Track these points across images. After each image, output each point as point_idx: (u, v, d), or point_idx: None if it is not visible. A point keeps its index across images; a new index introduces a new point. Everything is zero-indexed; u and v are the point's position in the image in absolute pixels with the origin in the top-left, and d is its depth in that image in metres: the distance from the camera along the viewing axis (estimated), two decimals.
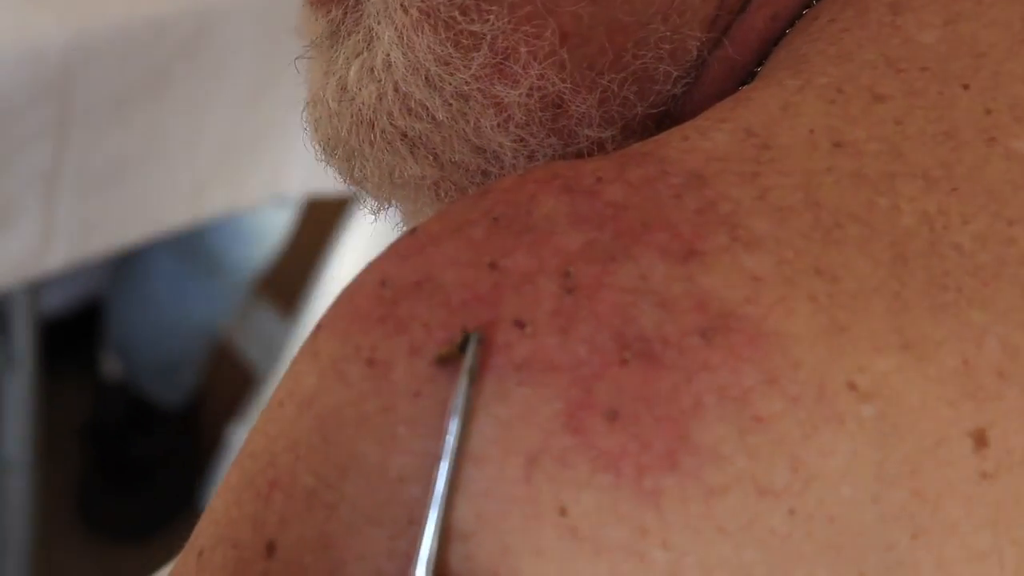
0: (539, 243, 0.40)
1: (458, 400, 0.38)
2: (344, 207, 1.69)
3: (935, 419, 0.40)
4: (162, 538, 1.93)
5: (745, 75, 0.48)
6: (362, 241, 1.64)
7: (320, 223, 1.83)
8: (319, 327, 0.42)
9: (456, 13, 0.48)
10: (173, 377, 1.98)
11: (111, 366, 1.99)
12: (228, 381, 2.03)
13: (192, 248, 1.83)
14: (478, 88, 0.48)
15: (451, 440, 0.38)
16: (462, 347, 0.39)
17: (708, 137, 0.43)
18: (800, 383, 0.39)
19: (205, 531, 0.43)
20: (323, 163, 0.54)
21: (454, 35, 0.48)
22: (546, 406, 0.38)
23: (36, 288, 1.56)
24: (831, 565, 0.39)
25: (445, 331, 0.39)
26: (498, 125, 0.48)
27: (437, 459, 0.38)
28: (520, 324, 0.39)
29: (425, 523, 0.38)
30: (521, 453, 0.38)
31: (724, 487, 0.38)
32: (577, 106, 0.48)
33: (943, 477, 0.40)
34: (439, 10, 0.48)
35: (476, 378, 0.39)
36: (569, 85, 0.47)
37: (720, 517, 0.38)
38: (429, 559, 0.38)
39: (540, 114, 0.48)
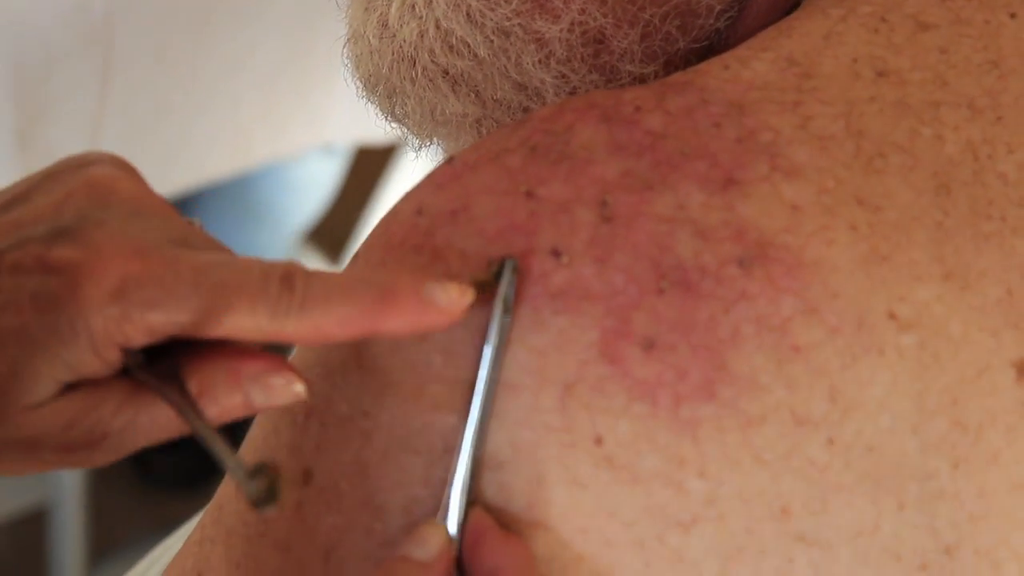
0: (576, 172, 0.40)
1: (492, 328, 0.38)
2: (390, 156, 1.68)
3: (977, 349, 0.40)
4: (214, 487, 1.94)
5: (789, 7, 0.48)
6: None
7: (366, 171, 1.83)
8: (356, 256, 0.42)
9: None
10: None
11: None
12: None
13: (241, 197, 1.83)
14: (519, 24, 0.48)
15: (485, 367, 0.38)
16: (497, 275, 0.39)
17: (749, 66, 0.43)
18: (839, 313, 0.39)
19: (244, 459, 0.43)
20: (364, 100, 0.54)
21: None
22: (582, 335, 0.38)
23: None
24: (870, 494, 0.39)
25: (480, 259, 0.39)
26: (539, 61, 0.48)
27: (472, 387, 0.38)
28: (556, 253, 0.39)
29: (459, 451, 0.38)
30: (557, 382, 0.38)
31: (762, 417, 0.38)
32: (619, 41, 0.47)
33: (985, 407, 0.40)
34: None
35: (511, 306, 0.38)
36: (611, 20, 0.47)
37: (758, 447, 0.38)
38: (463, 486, 0.38)
39: (582, 50, 0.48)
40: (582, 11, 0.47)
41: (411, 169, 1.64)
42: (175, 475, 1.99)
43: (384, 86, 0.52)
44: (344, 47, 0.53)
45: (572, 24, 0.47)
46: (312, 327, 0.37)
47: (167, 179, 1.43)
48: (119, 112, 1.33)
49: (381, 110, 0.53)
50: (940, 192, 0.41)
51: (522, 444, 0.38)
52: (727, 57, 0.43)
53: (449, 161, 0.42)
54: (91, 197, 0.40)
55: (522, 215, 0.39)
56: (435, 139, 0.53)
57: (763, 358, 0.38)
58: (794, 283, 0.39)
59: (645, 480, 0.38)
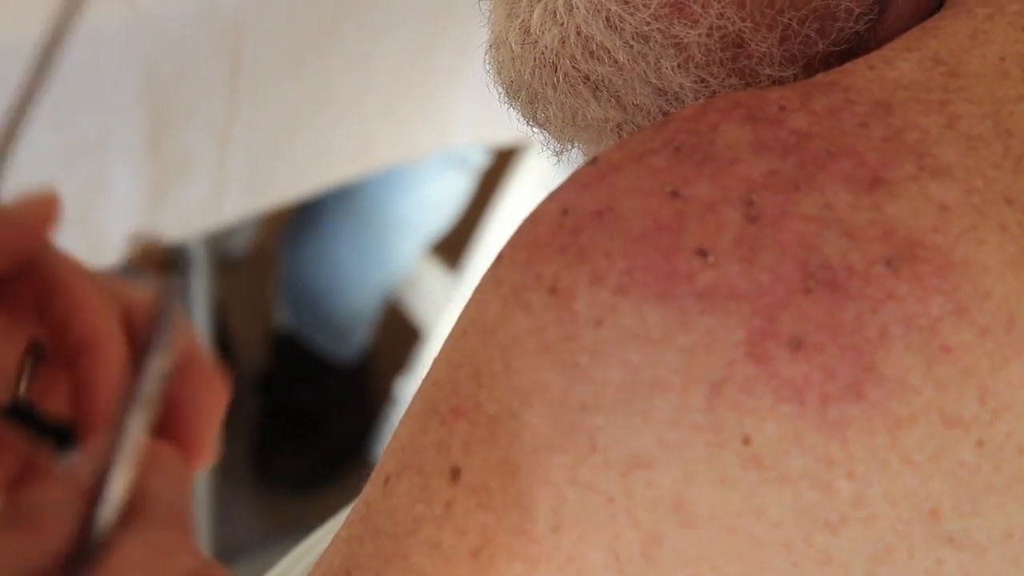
0: (722, 171, 0.40)
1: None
2: (510, 163, 1.69)
3: None
4: (333, 490, 1.96)
5: (931, 9, 0.47)
6: (526, 196, 1.64)
7: (487, 178, 1.85)
8: (500, 256, 0.42)
9: None
10: (345, 333, 2.01)
11: (284, 318, 2.03)
12: (397, 336, 2.06)
13: (373, 212, 1.86)
14: (658, 28, 0.48)
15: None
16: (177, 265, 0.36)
17: (894, 66, 0.42)
18: (989, 313, 0.38)
19: (391, 458, 0.44)
20: (506, 105, 0.54)
21: None
22: (729, 334, 0.38)
23: (213, 239, 1.59)
24: (1021, 497, 0.38)
25: (627, 259, 0.39)
26: (678, 66, 0.48)
27: (621, 388, 0.39)
28: (703, 253, 0.39)
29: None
30: (704, 381, 0.38)
31: (911, 418, 0.38)
32: (757, 45, 0.47)
33: None
34: None
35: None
36: (749, 24, 0.47)
37: (907, 448, 0.38)
38: None
39: (720, 54, 0.48)
40: (720, 15, 0.47)
41: (528, 176, 1.65)
42: (293, 476, 2.01)
43: (526, 92, 0.52)
44: (485, 53, 0.54)
45: (711, 28, 0.47)
46: None
47: (295, 182, 1.45)
48: (247, 117, 1.35)
49: (523, 115, 0.54)
50: None
51: (670, 443, 0.38)
52: (871, 57, 0.43)
53: (593, 162, 0.42)
54: None
55: (668, 215, 0.39)
56: (576, 143, 0.54)
57: (912, 359, 0.38)
58: (944, 283, 0.38)
59: (793, 480, 0.38)
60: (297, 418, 2.02)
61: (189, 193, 1.36)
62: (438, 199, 1.85)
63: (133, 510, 0.37)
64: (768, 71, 0.48)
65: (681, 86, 0.48)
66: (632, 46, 0.48)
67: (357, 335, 2.03)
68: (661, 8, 0.47)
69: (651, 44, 0.48)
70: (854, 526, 0.38)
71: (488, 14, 0.54)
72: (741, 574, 0.38)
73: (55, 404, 0.47)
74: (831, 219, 0.39)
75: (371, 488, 0.45)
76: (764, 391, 0.38)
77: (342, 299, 1.97)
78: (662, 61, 0.48)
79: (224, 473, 1.87)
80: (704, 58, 0.48)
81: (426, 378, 0.44)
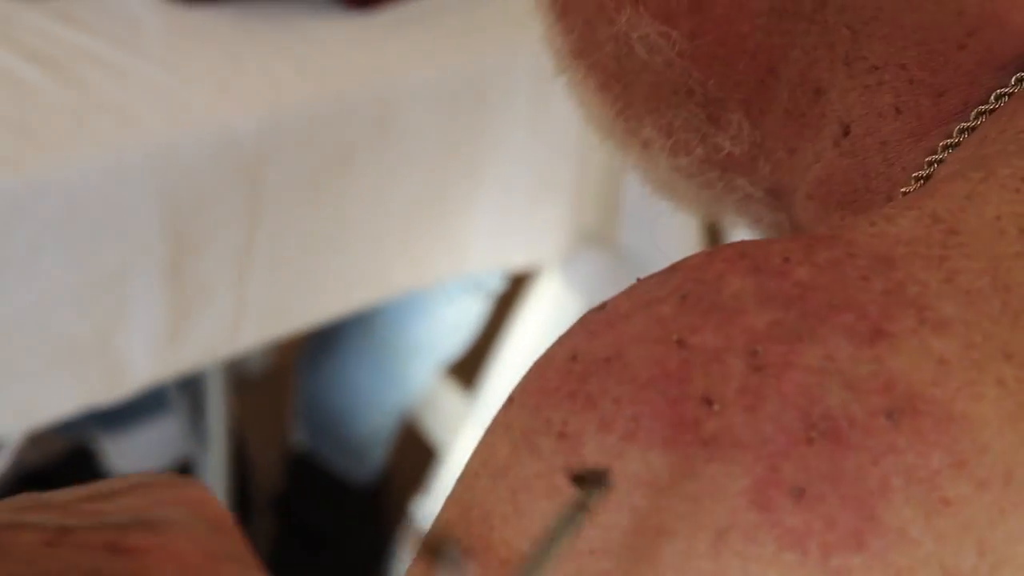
0: (727, 321, 0.41)
1: None
2: (524, 286, 1.71)
3: None
4: None
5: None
6: (540, 319, 1.65)
7: (502, 300, 1.86)
8: (511, 400, 0.43)
9: None
10: (362, 454, 2.02)
11: (300, 437, 2.03)
12: (413, 457, 2.06)
13: (390, 334, 1.88)
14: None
15: None
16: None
17: (895, 223, 0.44)
18: (988, 467, 0.39)
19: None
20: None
21: None
22: (734, 483, 0.39)
23: (229, 367, 1.60)
24: None
25: (634, 406, 0.40)
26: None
27: (628, 533, 0.39)
28: (708, 401, 0.40)
29: None
30: (709, 528, 0.39)
31: (911, 569, 0.38)
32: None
33: None
34: None
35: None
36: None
37: None
38: None
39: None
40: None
41: (541, 299, 1.66)
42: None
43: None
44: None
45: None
46: None
47: (312, 309, 1.46)
48: (266, 245, 1.37)
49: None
50: None
51: None
52: (873, 214, 0.45)
53: (602, 308, 0.43)
54: (180, 506, 0.41)
55: (674, 363, 0.40)
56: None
57: (912, 510, 0.38)
58: (943, 437, 0.39)
59: None
60: (313, 539, 2.01)
61: (208, 322, 1.37)
62: (454, 322, 1.86)
63: None
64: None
65: None
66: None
67: (373, 456, 2.03)
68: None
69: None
70: None
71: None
72: None
73: None
74: (833, 370, 0.40)
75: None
76: (767, 539, 0.38)
77: (358, 420, 1.98)
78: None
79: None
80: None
81: (438, 518, 0.45)
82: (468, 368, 1.96)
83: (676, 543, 0.39)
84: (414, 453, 2.06)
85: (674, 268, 0.44)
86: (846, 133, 0.52)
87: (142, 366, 1.34)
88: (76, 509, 0.41)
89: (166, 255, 1.30)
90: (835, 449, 0.39)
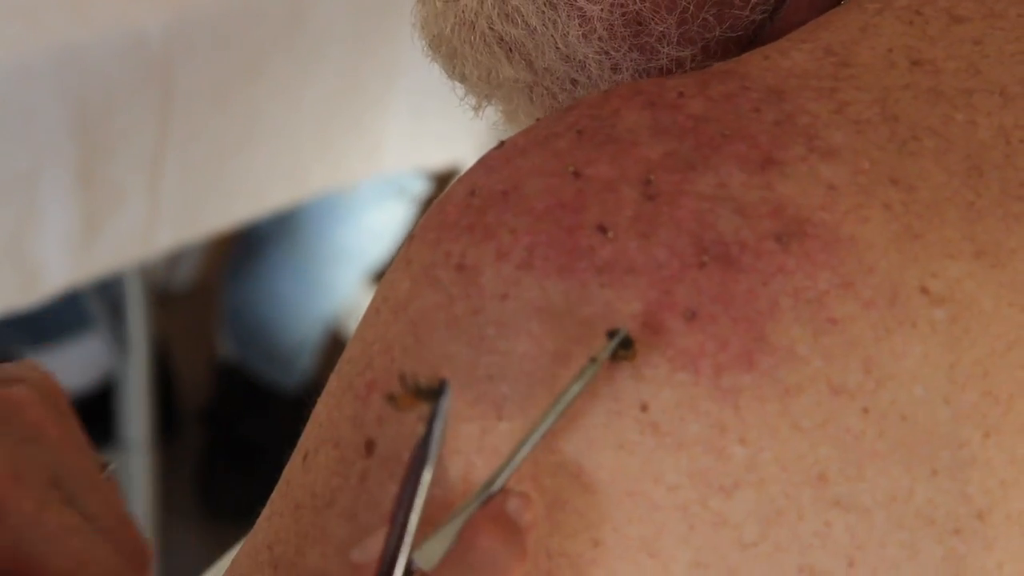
0: (621, 153, 0.42)
1: (431, 445, 0.38)
2: (447, 188, 1.71)
3: (1007, 323, 0.41)
4: None
5: (829, 5, 0.49)
6: None
7: (424, 205, 1.86)
8: (411, 236, 0.44)
9: None
10: (289, 362, 2.02)
11: (227, 348, 2.03)
12: None
13: (314, 242, 1.88)
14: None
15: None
16: (425, 394, 0.39)
17: (788, 56, 0.45)
18: (873, 287, 0.40)
19: (309, 435, 0.45)
20: (429, 59, 0.56)
21: None
22: (627, 306, 0.40)
23: (155, 282, 1.59)
24: (904, 462, 0.40)
25: (530, 236, 0.41)
26: (583, 35, 0.50)
27: (524, 358, 0.40)
28: (602, 229, 0.41)
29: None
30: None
31: (799, 386, 0.40)
32: (656, 25, 0.49)
33: (1015, 379, 0.41)
34: None
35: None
36: (648, 5, 0.49)
37: (795, 415, 0.39)
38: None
39: (622, 30, 0.50)
40: None
41: None
42: (237, 504, 2.01)
43: (446, 47, 0.54)
44: (412, 7, 0.56)
45: (612, 5, 0.49)
46: None
47: (228, 211, 1.45)
48: (179, 148, 1.36)
49: (444, 70, 0.56)
50: (972, 174, 0.42)
51: (571, 411, 0.40)
52: (767, 48, 0.45)
53: (500, 146, 0.44)
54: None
55: (569, 193, 0.41)
56: (492, 100, 0.56)
57: (800, 330, 0.40)
58: (830, 258, 0.40)
59: (688, 446, 0.39)
60: (242, 447, 2.02)
61: (122, 225, 1.36)
62: (378, 228, 1.86)
63: None
64: (668, 49, 0.50)
65: (585, 56, 0.50)
66: (544, 12, 0.50)
67: (301, 364, 2.03)
68: None
69: (559, 12, 0.50)
70: (747, 490, 0.39)
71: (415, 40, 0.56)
72: (641, 536, 0.40)
73: None
74: (725, 197, 0.41)
75: (291, 466, 0.46)
76: (660, 360, 0.39)
77: (285, 329, 1.98)
78: (568, 30, 0.50)
79: (169, 502, 1.86)
80: (607, 32, 0.50)
81: (342, 357, 0.45)
82: None
83: (571, 367, 0.40)
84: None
85: (572, 106, 0.44)
86: None
87: (56, 270, 1.34)
88: None
89: (77, 157, 1.29)
90: (726, 272, 0.40)
